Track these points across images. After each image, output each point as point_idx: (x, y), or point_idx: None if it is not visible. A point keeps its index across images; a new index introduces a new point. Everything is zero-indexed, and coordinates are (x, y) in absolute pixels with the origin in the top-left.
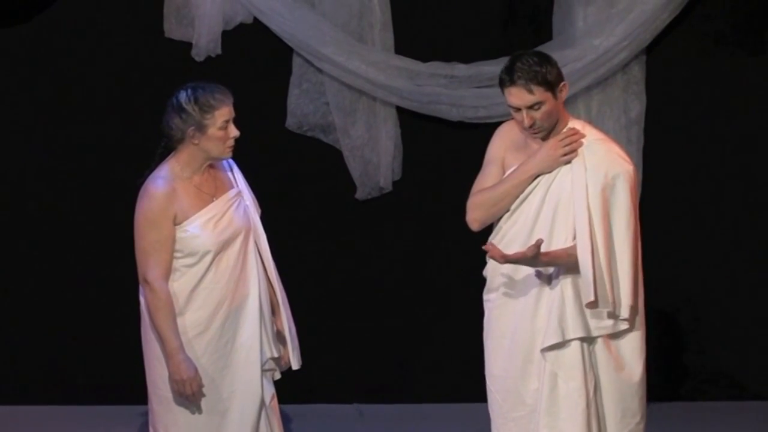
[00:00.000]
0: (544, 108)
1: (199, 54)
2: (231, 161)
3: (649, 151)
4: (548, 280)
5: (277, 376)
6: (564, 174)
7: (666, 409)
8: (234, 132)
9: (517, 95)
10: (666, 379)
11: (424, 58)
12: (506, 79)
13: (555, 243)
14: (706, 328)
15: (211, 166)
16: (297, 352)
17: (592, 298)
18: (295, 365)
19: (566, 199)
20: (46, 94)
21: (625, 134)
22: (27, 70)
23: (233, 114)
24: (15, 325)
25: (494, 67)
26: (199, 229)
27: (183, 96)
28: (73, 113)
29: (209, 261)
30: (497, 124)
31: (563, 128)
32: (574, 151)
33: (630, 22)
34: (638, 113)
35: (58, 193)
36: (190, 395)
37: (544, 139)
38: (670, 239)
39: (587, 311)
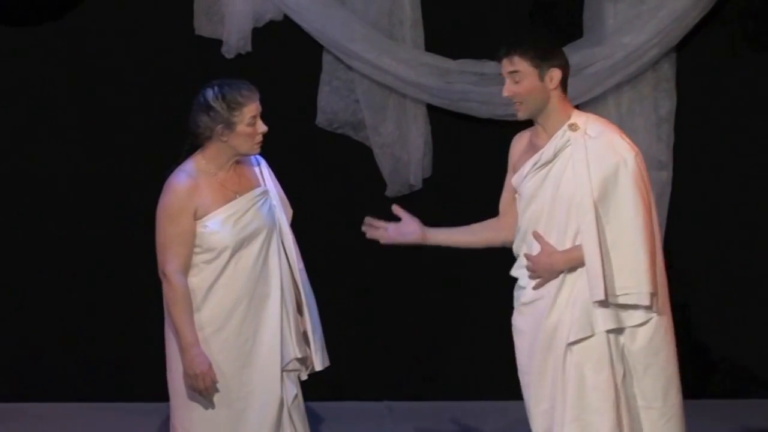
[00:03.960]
0: (523, 82)
1: (229, 51)
2: (261, 159)
3: (680, 149)
4: (568, 273)
5: (303, 376)
6: (570, 172)
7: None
8: (262, 128)
9: (502, 63)
10: (691, 375)
11: (454, 56)
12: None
13: (567, 239)
14: (733, 323)
15: (237, 162)
16: (321, 353)
17: (601, 297)
18: (318, 366)
19: (580, 196)
20: (76, 93)
21: (656, 132)
22: (58, 69)
23: (260, 109)
24: (40, 323)
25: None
26: (218, 225)
27: (210, 94)
28: (104, 111)
29: (227, 257)
30: (527, 122)
31: (565, 120)
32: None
33: (660, 19)
34: (668, 111)
35: (86, 190)
36: (202, 390)
37: (531, 120)
38: (701, 237)
39: (615, 303)
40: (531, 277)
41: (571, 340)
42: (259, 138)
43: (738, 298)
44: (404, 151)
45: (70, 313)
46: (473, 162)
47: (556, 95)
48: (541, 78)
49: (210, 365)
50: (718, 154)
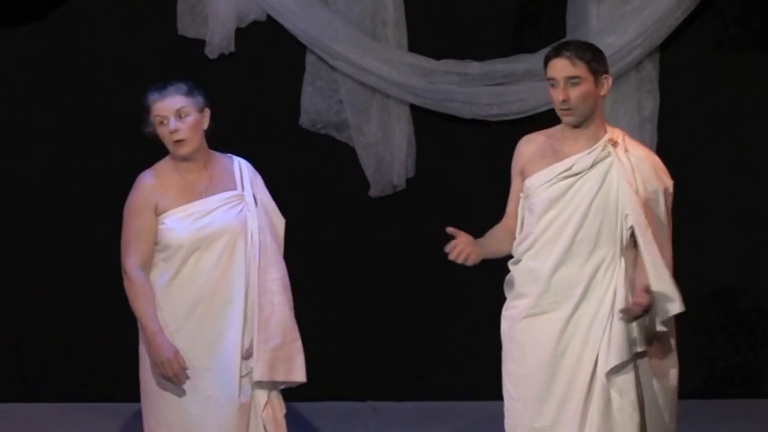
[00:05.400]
0: (581, 87)
1: (212, 51)
2: (244, 164)
3: (662, 150)
4: (587, 292)
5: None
6: (611, 184)
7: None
8: (170, 127)
9: (560, 67)
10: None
11: (438, 56)
12: (552, 54)
13: (597, 253)
14: (718, 324)
15: (215, 164)
16: (265, 365)
17: (682, 309)
18: (255, 377)
19: (612, 209)
20: (58, 93)
21: (639, 132)
22: (41, 69)
23: (174, 108)
24: (24, 324)
25: (507, 65)
26: (175, 223)
27: None
28: (86, 112)
29: (182, 256)
30: (511, 122)
31: (602, 131)
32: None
33: (643, 19)
34: (651, 111)
35: (68, 191)
36: (172, 377)
37: (576, 126)
38: (683, 238)
39: (642, 326)
40: (626, 318)
41: (612, 365)
42: (172, 137)
43: (721, 299)
44: (388, 151)
45: (53, 313)
46: (456, 162)
47: (601, 104)
48: (596, 84)
49: (176, 351)
50: (701, 154)
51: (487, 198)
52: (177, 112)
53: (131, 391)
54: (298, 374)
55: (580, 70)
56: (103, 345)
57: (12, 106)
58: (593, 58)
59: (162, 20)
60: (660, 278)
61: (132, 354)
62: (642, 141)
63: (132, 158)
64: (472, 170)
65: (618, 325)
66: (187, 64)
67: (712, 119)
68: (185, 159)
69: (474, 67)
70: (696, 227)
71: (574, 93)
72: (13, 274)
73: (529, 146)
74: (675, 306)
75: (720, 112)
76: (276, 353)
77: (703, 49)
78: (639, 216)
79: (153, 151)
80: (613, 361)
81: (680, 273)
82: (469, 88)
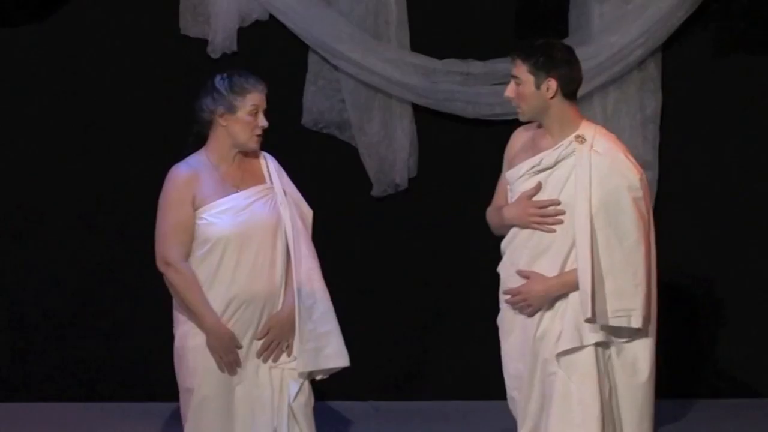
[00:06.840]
0: (519, 86)
1: (214, 51)
2: (269, 157)
3: (665, 149)
4: None
5: (311, 376)
6: (572, 183)
7: (679, 407)
8: (263, 122)
9: (512, 65)
10: (680, 376)
11: (440, 56)
12: None
13: (567, 247)
14: (719, 324)
15: (244, 158)
16: (306, 355)
17: (589, 315)
18: (300, 366)
19: (578, 212)
20: (61, 92)
21: (641, 132)
22: (43, 68)
23: (264, 105)
24: (26, 324)
25: (509, 65)
26: (215, 218)
27: (217, 78)
28: (88, 111)
29: (225, 251)
30: (513, 122)
31: (572, 130)
32: (542, 224)
33: (646, 19)
34: (654, 111)
35: (70, 190)
36: (229, 363)
37: (531, 120)
38: (686, 237)
39: (605, 323)
40: (518, 307)
41: (561, 350)
42: (258, 131)
43: (722, 298)
44: (390, 150)
45: (55, 313)
46: (459, 162)
47: (556, 104)
48: (537, 86)
49: (232, 336)
50: (704, 153)
51: (489, 198)
52: (264, 110)
53: (133, 391)
54: (340, 359)
55: (519, 70)
56: (106, 345)
57: (13, 105)
58: (535, 61)
59: (164, 19)
60: (583, 286)
61: (134, 354)
62: (644, 140)
63: (135, 157)
64: (474, 170)
65: (569, 313)
66: (189, 63)
67: (714, 119)
68: (244, 157)
69: (476, 66)
70: (698, 226)
71: (514, 91)
72: (14, 274)
73: (518, 138)
74: (585, 311)
75: (722, 112)
76: (321, 341)
77: (706, 48)
78: (581, 219)
79: (153, 150)
80: (562, 346)
81: (681, 271)
82: (471, 87)
